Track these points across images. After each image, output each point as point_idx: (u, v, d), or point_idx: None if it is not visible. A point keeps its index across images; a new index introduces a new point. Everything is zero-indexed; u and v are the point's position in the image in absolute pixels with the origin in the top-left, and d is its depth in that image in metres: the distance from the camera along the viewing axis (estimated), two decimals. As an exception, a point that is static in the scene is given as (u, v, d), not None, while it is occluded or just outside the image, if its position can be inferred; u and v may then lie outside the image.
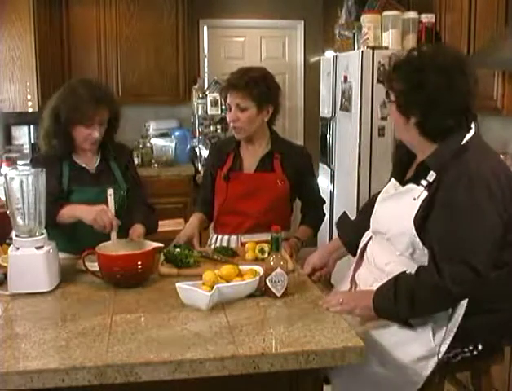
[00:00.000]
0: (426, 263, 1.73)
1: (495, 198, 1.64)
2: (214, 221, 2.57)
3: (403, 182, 1.86)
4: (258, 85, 2.34)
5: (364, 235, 2.03)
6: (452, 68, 1.69)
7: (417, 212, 1.72)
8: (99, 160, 2.35)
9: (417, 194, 1.74)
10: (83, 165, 2.31)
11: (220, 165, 2.50)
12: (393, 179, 1.94)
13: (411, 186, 1.79)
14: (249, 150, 2.48)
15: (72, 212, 2.14)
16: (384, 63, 1.83)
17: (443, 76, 1.67)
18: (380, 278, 1.82)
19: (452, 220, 1.66)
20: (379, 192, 2.03)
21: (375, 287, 1.80)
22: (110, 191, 2.10)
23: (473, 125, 1.77)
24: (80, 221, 2.12)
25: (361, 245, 2.03)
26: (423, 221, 1.71)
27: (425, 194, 1.72)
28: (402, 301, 1.70)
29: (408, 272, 1.75)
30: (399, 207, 1.81)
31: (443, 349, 1.72)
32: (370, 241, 1.99)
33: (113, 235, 2.09)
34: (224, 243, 2.49)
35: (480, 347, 1.77)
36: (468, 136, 1.74)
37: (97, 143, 2.28)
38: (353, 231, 2.14)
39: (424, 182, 1.73)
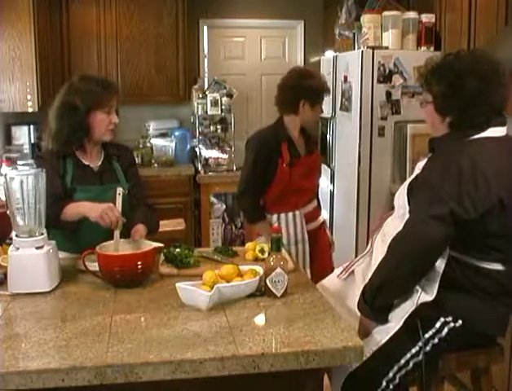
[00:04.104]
0: None
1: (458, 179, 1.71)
2: (271, 203, 2.89)
3: None
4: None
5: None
6: (491, 75, 1.81)
7: (413, 178, 1.90)
8: (102, 158, 2.35)
9: (422, 165, 1.91)
10: (87, 163, 2.30)
11: (279, 154, 2.83)
12: None
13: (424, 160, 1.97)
14: (299, 138, 2.95)
15: (76, 209, 2.13)
16: (420, 66, 1.96)
17: (483, 83, 1.79)
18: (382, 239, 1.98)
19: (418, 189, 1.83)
20: None
21: (379, 247, 1.98)
22: (119, 190, 2.10)
23: (495, 129, 1.83)
24: (81, 221, 2.12)
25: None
26: (412, 188, 1.88)
27: None
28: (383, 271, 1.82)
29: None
30: (410, 177, 2.00)
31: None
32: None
33: (117, 233, 2.08)
34: (290, 219, 2.85)
35: (460, 321, 1.79)
36: (484, 134, 1.81)
37: (114, 132, 2.31)
38: None
39: (429, 155, 1.93)
